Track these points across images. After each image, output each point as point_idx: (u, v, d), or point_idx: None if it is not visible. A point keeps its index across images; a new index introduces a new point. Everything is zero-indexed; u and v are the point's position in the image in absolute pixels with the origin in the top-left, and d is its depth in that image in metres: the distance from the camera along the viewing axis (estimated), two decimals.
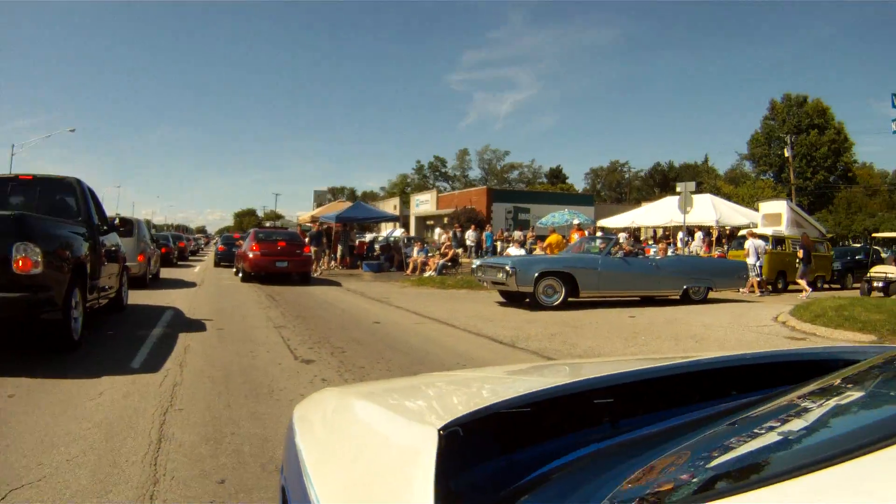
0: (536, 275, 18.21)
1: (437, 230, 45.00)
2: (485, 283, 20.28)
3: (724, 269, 22.98)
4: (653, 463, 1.57)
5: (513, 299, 19.52)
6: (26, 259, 8.31)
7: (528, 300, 18.52)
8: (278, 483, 2.64)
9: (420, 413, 2.56)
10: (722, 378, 2.64)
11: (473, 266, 22.32)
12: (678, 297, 20.28)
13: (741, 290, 24.58)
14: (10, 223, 8.50)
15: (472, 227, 40.43)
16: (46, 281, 8.69)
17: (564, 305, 18.31)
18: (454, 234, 38.29)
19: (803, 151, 76.11)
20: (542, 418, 2.24)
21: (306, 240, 31.18)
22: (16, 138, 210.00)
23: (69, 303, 9.45)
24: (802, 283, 26.29)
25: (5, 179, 12.42)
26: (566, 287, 18.41)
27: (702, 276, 20.94)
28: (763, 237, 28.59)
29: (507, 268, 18.49)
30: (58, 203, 11.94)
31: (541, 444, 2.16)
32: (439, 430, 1.80)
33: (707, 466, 1.41)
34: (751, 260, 26.20)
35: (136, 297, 17.58)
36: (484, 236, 37.35)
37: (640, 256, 21.37)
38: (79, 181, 12.26)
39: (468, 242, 36.92)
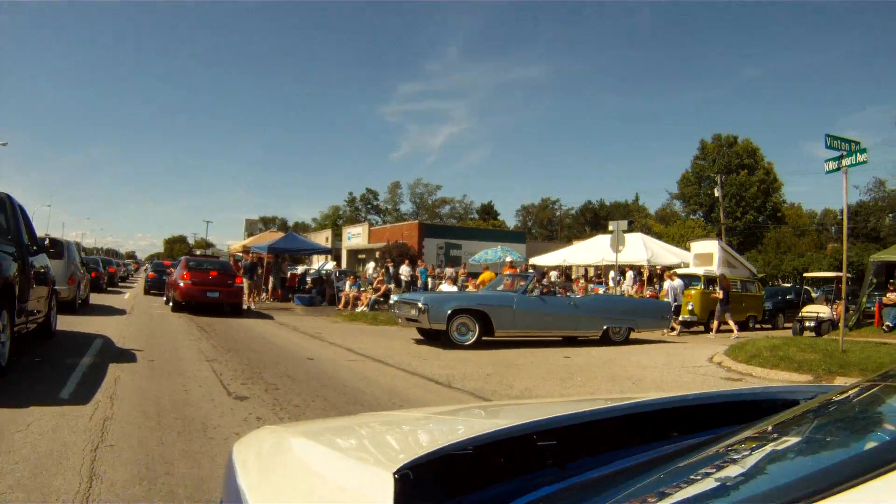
0: (449, 312, 17.99)
1: (371, 265, 44.70)
2: (400, 320, 19.99)
3: (646, 310, 22.74)
4: None
5: (429, 336, 19.20)
6: None
7: (442, 338, 18.25)
8: None
9: (370, 455, 2.53)
10: (664, 420, 2.68)
11: (391, 302, 22.05)
12: (598, 338, 20.06)
13: (664, 331, 24.59)
14: None
15: (406, 262, 40.30)
16: None
17: (486, 345, 18.21)
18: (386, 269, 38.09)
19: (733, 191, 77.14)
20: (487, 460, 2.23)
21: (240, 271, 30.96)
22: None
23: None
24: (719, 322, 26.45)
25: None
26: (480, 326, 18.19)
27: (623, 316, 20.77)
28: (689, 277, 28.94)
29: (420, 304, 18.19)
30: None
31: (490, 488, 2.15)
32: (394, 474, 1.77)
33: None
34: (669, 299, 26.49)
35: (65, 323, 17.20)
36: (418, 272, 37.22)
37: (559, 295, 20.91)
38: (9, 197, 11.93)
39: (402, 278, 36.76)
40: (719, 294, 26.11)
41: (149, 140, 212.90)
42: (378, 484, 1.77)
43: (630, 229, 36.23)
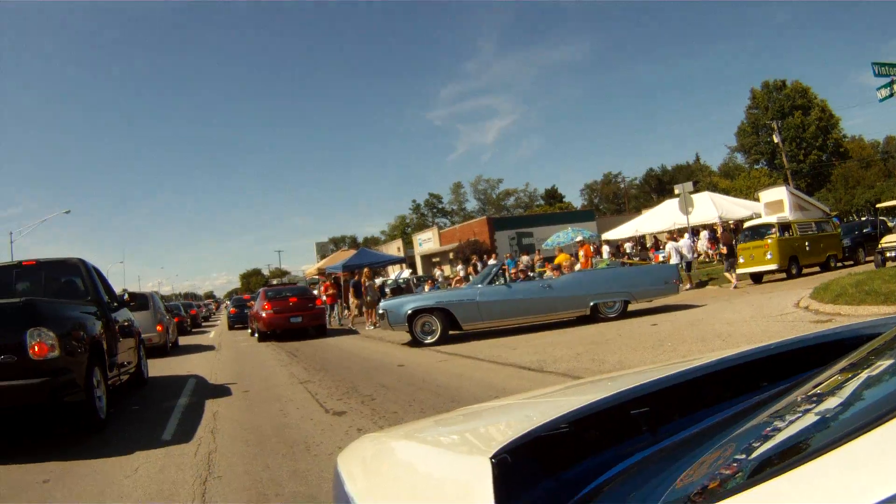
0: (409, 312, 18.52)
1: (451, 267, 44.68)
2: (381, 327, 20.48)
3: (641, 278, 20.86)
4: (699, 461, 1.58)
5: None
6: (42, 344, 8.22)
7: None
8: None
9: (467, 445, 2.58)
10: (751, 371, 2.66)
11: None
12: (587, 315, 19.35)
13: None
14: (19, 310, 8.42)
15: (494, 256, 40.51)
16: (65, 363, 8.60)
17: (573, 324, 18.62)
18: (475, 266, 38.05)
19: (791, 135, 75.94)
20: (582, 435, 2.27)
21: (351, 290, 31.24)
22: (11, 226, 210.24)
23: (90, 383, 9.37)
24: (729, 276, 27.15)
25: (9, 267, 12.33)
26: (442, 323, 18.58)
27: (612, 288, 19.66)
28: (764, 226, 28.46)
29: (380, 310, 19.17)
30: (64, 285, 11.95)
31: (586, 461, 2.16)
32: (491, 459, 1.80)
33: (749, 458, 1.40)
34: (674, 261, 27.40)
35: (158, 367, 17.63)
36: (506, 264, 37.28)
37: (536, 278, 20.90)
38: (82, 261, 12.21)
39: None
40: (723, 250, 26.53)
41: (209, 183, 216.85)
42: (477, 471, 1.78)
43: (696, 189, 36.06)
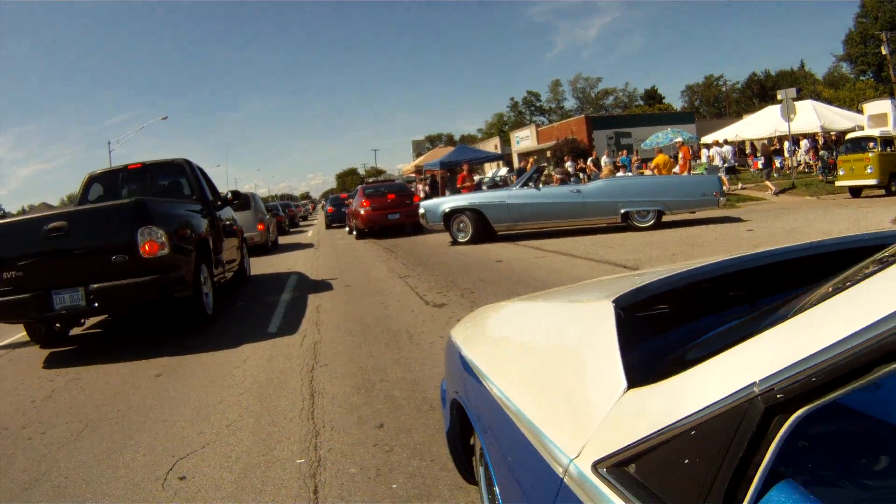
0: (446, 211, 19.54)
1: (549, 165, 44.32)
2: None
3: (677, 188, 19.61)
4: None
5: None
6: (152, 242, 8.46)
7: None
8: (443, 403, 2.66)
9: (585, 297, 2.70)
10: (846, 261, 2.56)
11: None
12: (619, 223, 19.07)
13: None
14: (129, 210, 8.65)
15: (594, 154, 40.21)
16: (174, 261, 8.86)
17: (667, 225, 18.64)
18: (596, 162, 37.38)
19: None
20: (685, 309, 2.48)
21: (514, 178, 31.06)
22: (110, 135, 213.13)
23: (198, 279, 9.71)
24: (769, 183, 28.32)
25: (116, 171, 12.63)
26: (475, 223, 19.30)
27: (643, 197, 18.92)
28: (866, 139, 27.38)
29: (420, 209, 20.52)
30: (171, 185, 12.24)
31: (690, 324, 2.36)
32: (612, 303, 1.95)
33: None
34: (717, 163, 28.84)
35: (260, 265, 18.22)
36: (620, 160, 36.83)
37: (573, 182, 21.28)
38: (188, 161, 12.45)
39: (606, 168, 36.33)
40: (756, 164, 26.72)
41: (303, 83, 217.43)
42: (600, 312, 1.93)
43: (799, 97, 35.02)
